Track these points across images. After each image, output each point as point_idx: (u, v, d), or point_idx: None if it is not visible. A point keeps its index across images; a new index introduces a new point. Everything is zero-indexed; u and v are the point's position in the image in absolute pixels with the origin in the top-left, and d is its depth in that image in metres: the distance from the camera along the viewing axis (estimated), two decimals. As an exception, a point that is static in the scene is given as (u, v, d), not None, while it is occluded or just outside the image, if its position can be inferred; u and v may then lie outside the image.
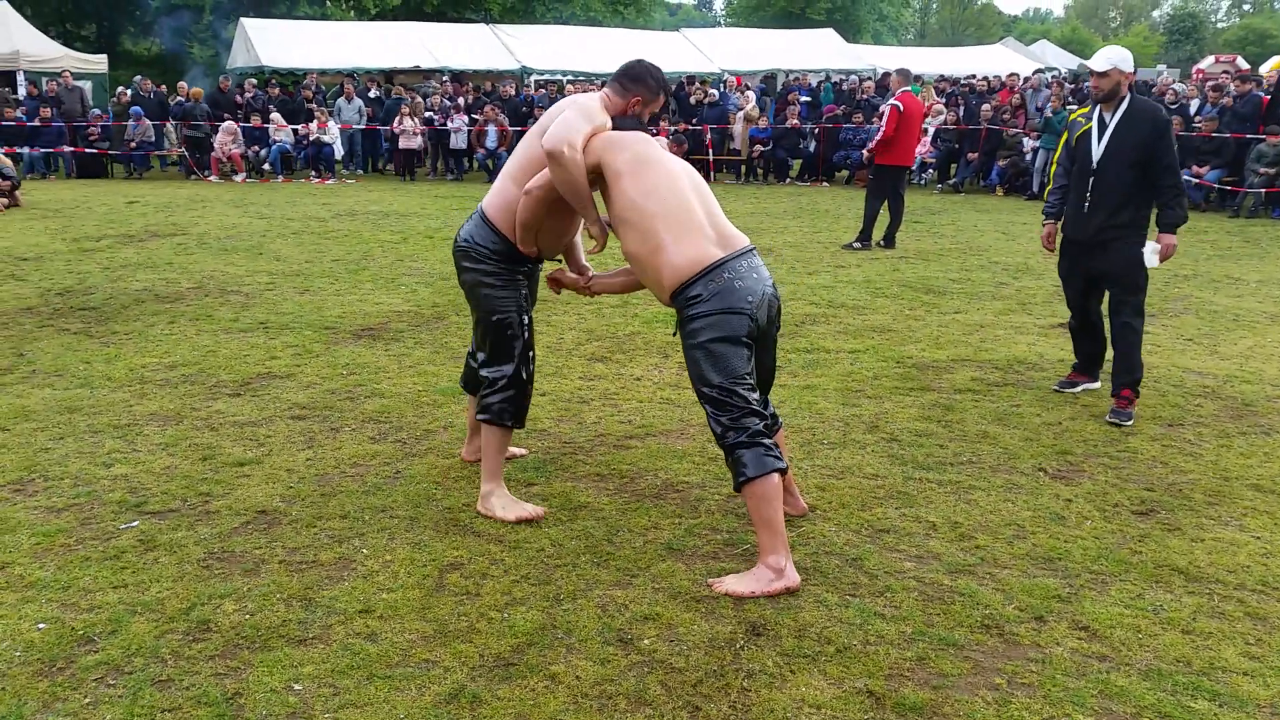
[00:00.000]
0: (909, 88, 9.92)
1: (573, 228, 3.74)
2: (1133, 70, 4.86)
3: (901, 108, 9.61)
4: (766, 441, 3.17)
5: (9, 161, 12.67)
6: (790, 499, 3.65)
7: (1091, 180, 4.87)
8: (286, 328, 6.35)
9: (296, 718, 2.49)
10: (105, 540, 3.41)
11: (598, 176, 3.37)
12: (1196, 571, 3.30)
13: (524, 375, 3.67)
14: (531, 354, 3.72)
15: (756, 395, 3.23)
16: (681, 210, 3.24)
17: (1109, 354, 5.14)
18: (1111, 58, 4.83)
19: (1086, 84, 11.72)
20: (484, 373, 3.67)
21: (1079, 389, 5.20)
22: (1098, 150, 4.84)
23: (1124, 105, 4.81)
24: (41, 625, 2.88)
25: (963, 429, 4.64)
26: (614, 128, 3.46)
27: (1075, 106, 12.48)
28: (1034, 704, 2.58)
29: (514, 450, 4.21)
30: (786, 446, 3.73)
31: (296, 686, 2.61)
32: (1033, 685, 2.66)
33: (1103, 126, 4.86)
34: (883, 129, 9.66)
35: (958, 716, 2.53)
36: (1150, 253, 4.77)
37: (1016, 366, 5.68)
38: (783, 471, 3.18)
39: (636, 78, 3.56)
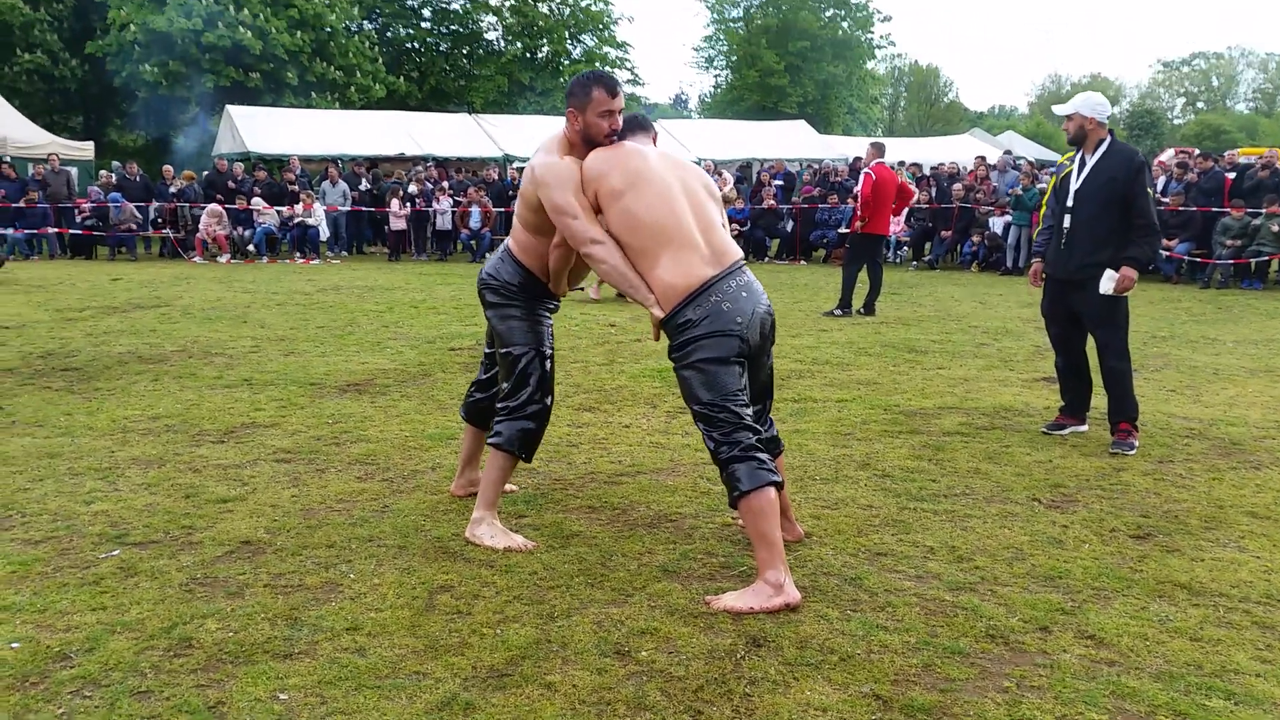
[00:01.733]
0: (882, 159, 10.14)
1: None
2: (1100, 115, 4.97)
3: (875, 176, 9.82)
4: (760, 455, 3.14)
5: None
6: (787, 524, 3.61)
7: (1068, 218, 4.97)
8: (271, 384, 6.29)
9: (283, 725, 2.39)
10: (84, 568, 3.31)
11: (597, 208, 3.32)
12: (1199, 586, 3.26)
13: (544, 407, 3.63)
14: (551, 389, 3.68)
15: (750, 411, 3.21)
16: (675, 227, 3.22)
17: (1095, 397, 5.18)
18: (1075, 102, 4.99)
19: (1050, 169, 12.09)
20: (503, 402, 3.63)
21: (1067, 431, 5.21)
22: (1074, 189, 4.95)
23: (1103, 147, 4.94)
24: (15, 645, 2.77)
25: (954, 466, 4.62)
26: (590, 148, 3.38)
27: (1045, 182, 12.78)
28: (1045, 704, 2.51)
29: (506, 486, 4.14)
30: (784, 476, 3.68)
31: (282, 695, 2.51)
32: (1042, 688, 2.60)
33: (1082, 167, 4.98)
34: (859, 193, 9.84)
35: (968, 717, 2.45)
36: (1107, 279, 4.84)
37: (1003, 413, 5.69)
38: (778, 485, 3.14)
39: (567, 93, 3.44)
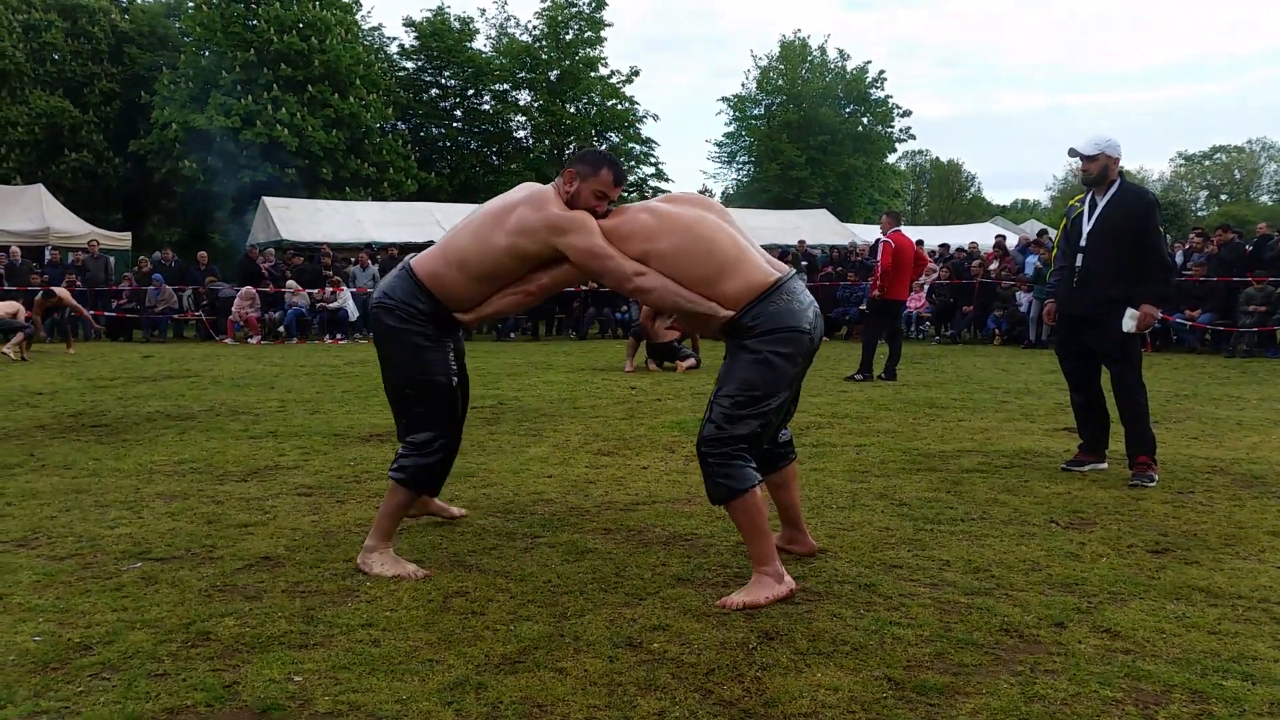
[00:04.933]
0: (899, 228, 10.29)
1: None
2: (1119, 156, 5.07)
3: (894, 244, 9.96)
4: (750, 455, 3.17)
5: (21, 309, 13.00)
6: (800, 537, 3.62)
7: (1080, 257, 5.04)
8: (295, 435, 6.38)
9: (295, 700, 2.41)
10: (106, 578, 3.36)
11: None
12: (1218, 590, 3.22)
13: (453, 439, 3.49)
14: (461, 420, 3.55)
15: (769, 416, 3.20)
16: (728, 245, 3.23)
17: (1116, 441, 5.17)
18: (1098, 142, 5.06)
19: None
20: (412, 437, 3.44)
21: (1086, 468, 5.18)
22: (1086, 229, 5.03)
23: (1114, 188, 5.03)
24: (37, 638, 2.82)
25: (972, 496, 4.60)
26: None
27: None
28: (1059, 684, 2.49)
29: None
30: (798, 501, 3.67)
31: (296, 678, 2.54)
32: (1056, 671, 2.57)
33: (1093, 208, 5.07)
34: (879, 262, 9.97)
35: (980, 695, 2.44)
36: (1128, 317, 4.88)
37: (1023, 455, 5.67)
38: (759, 484, 3.16)
39: (577, 157, 3.36)
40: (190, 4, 30.04)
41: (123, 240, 22.41)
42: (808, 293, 3.30)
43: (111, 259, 19.26)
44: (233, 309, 16.93)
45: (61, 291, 14.69)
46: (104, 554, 3.65)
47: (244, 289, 17.05)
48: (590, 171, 3.29)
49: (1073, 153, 5.09)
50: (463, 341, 3.76)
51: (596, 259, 3.23)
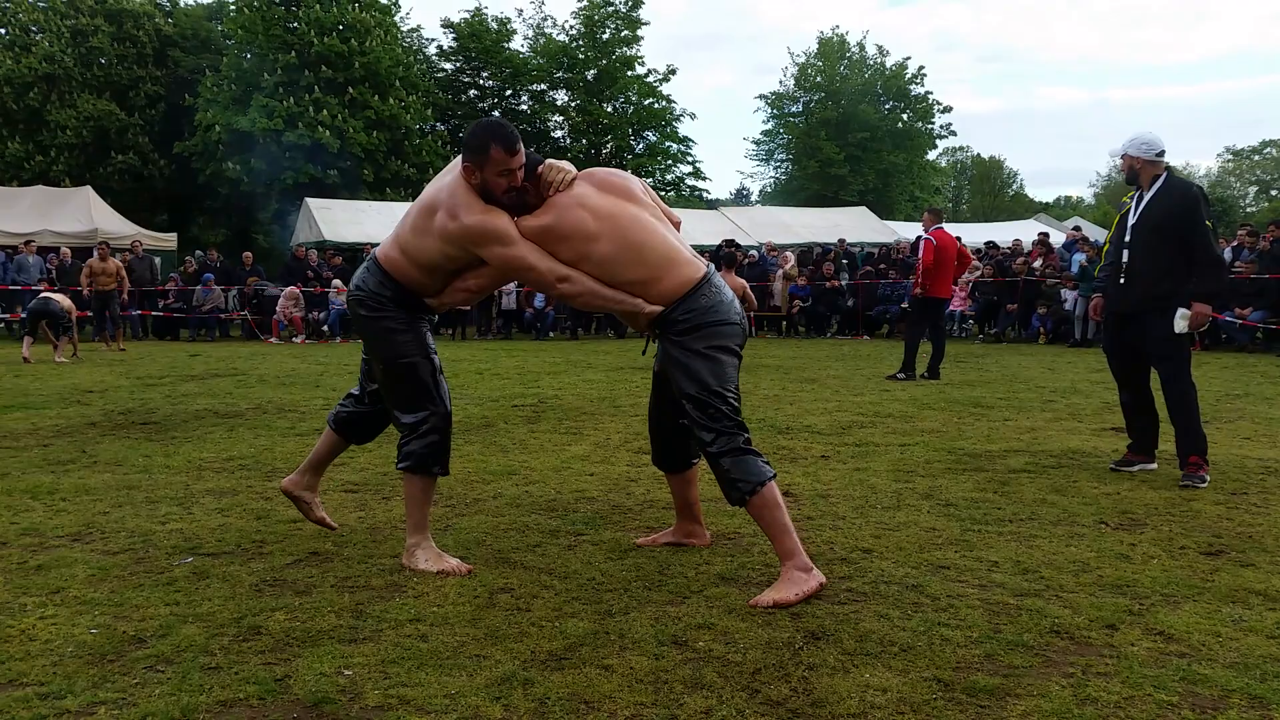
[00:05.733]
0: (941, 225, 10.19)
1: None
2: (1147, 152, 4.98)
3: (936, 241, 9.86)
4: (756, 450, 3.21)
5: (68, 302, 13.08)
6: (698, 529, 3.75)
7: (1126, 253, 4.97)
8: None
9: (346, 694, 2.43)
10: (159, 573, 3.42)
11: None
12: (1276, 594, 3.16)
13: (444, 413, 3.47)
14: (446, 394, 3.51)
15: (740, 407, 3.27)
16: (659, 245, 3.26)
17: (1165, 441, 5.09)
18: (1125, 143, 5.04)
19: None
20: (404, 420, 3.45)
21: (1135, 468, 5.11)
22: (1130, 224, 4.96)
23: (1158, 183, 4.96)
24: (93, 630, 2.87)
25: (1019, 496, 4.55)
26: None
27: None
28: (1112, 686, 2.45)
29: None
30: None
31: (347, 671, 2.56)
32: (1109, 674, 2.54)
33: (1139, 203, 5.00)
34: (921, 260, 9.88)
35: (1031, 697, 2.41)
36: (1180, 317, 4.80)
37: (1071, 454, 5.60)
38: (773, 477, 3.20)
39: (463, 144, 3.22)
40: (232, 7, 30.48)
41: (168, 241, 22.79)
42: (728, 288, 3.37)
43: (157, 259, 19.59)
44: (277, 308, 17.14)
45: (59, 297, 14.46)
46: (156, 549, 3.71)
47: (288, 289, 17.26)
48: (481, 158, 3.16)
49: (1113, 154, 5.14)
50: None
51: (517, 270, 3.27)
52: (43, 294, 12.98)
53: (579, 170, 3.38)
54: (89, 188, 22.94)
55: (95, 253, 15.35)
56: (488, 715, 2.31)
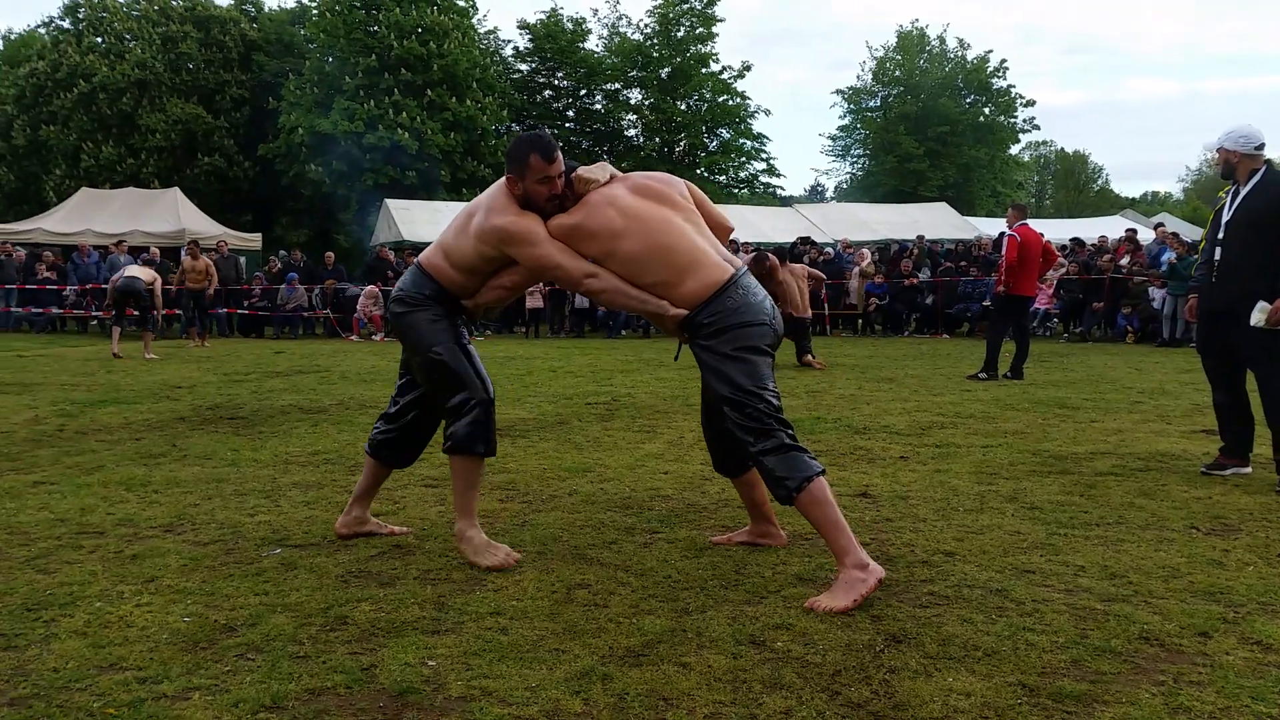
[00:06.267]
0: (1025, 221, 9.97)
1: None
2: (1244, 146, 4.82)
3: (1020, 238, 9.66)
4: (802, 446, 3.17)
5: (150, 274, 13.33)
6: (772, 530, 3.70)
7: (1220, 250, 4.81)
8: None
9: (430, 684, 2.48)
10: (248, 564, 3.52)
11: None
12: (1381, 604, 3.03)
13: (485, 397, 3.50)
14: (486, 377, 3.56)
15: (780, 405, 3.23)
16: (686, 249, 3.26)
17: (1262, 444, 4.91)
18: (1221, 136, 4.88)
19: None
20: (447, 404, 3.51)
21: (1228, 472, 4.94)
22: (1225, 219, 4.81)
23: (1256, 177, 4.79)
24: (186, 619, 2.96)
25: (1107, 500, 4.44)
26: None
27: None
28: (1206, 696, 2.38)
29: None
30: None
31: (430, 662, 2.61)
32: (1202, 683, 2.46)
33: (1235, 198, 4.84)
34: (1004, 257, 9.69)
35: (1120, 704, 2.35)
36: (1258, 310, 4.63)
37: (1160, 457, 5.44)
38: (822, 472, 3.16)
39: (506, 156, 3.38)
40: (314, 11, 31.19)
41: (253, 241, 23.42)
42: (760, 288, 3.34)
43: (242, 259, 20.14)
44: (357, 307, 17.50)
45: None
46: (245, 540, 3.82)
47: (368, 288, 17.61)
48: (521, 167, 3.31)
49: (1208, 147, 4.99)
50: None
51: (545, 270, 3.39)
52: (127, 273, 13.10)
53: (636, 172, 3.47)
54: (177, 189, 23.73)
55: (185, 251, 15.84)
56: (568, 709, 2.33)
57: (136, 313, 12.99)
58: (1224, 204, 4.94)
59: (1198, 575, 3.32)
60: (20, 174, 30.71)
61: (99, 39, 31.60)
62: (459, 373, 3.49)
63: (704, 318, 3.23)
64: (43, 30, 35.05)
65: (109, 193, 24.06)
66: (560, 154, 3.35)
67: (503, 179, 3.45)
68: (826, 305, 17.37)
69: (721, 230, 3.51)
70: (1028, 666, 2.56)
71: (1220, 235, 4.83)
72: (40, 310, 18.76)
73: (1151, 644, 2.72)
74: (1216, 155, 4.93)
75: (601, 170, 3.42)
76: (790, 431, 3.19)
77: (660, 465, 5.30)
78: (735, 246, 17.61)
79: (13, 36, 40.57)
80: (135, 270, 13.18)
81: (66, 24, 32.86)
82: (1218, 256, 4.85)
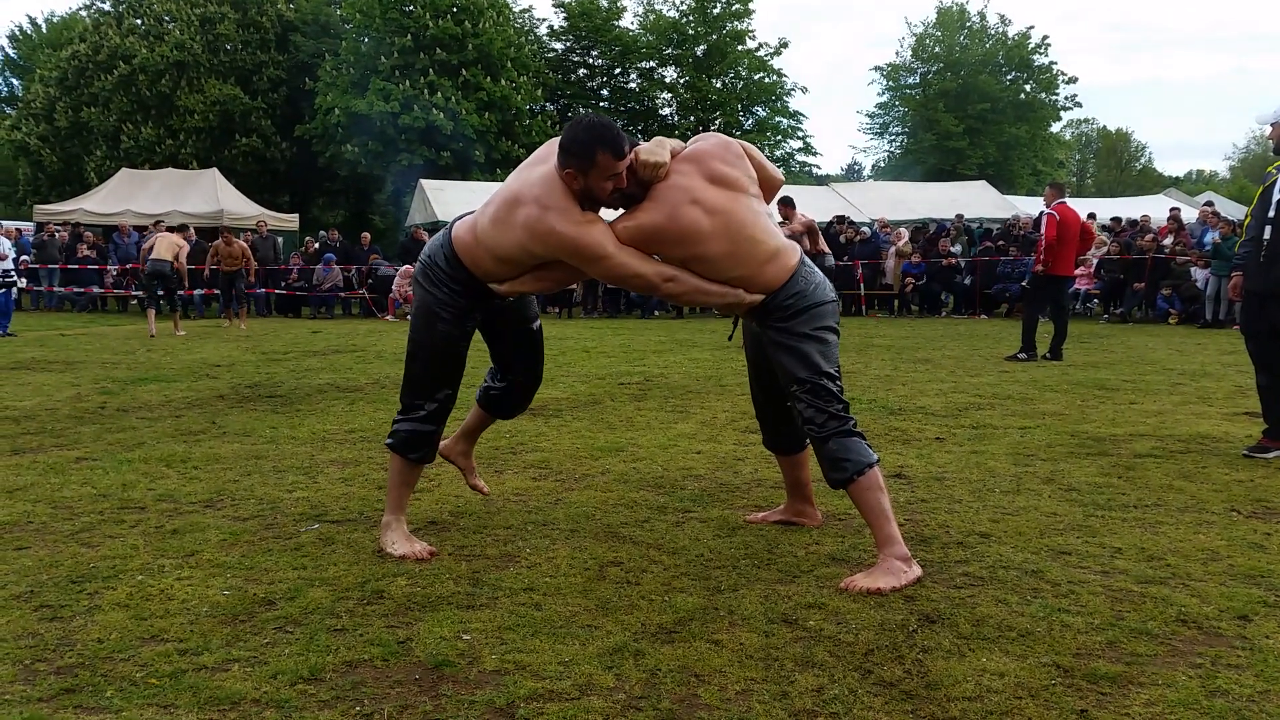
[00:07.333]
0: (1064, 199, 9.83)
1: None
2: None
3: (1059, 217, 9.52)
4: (861, 432, 3.17)
5: (185, 247, 13.64)
6: (809, 510, 3.72)
7: (1269, 229, 4.72)
8: (457, 407, 6.59)
9: (465, 658, 2.51)
10: (287, 539, 3.57)
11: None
12: None
13: (444, 410, 3.47)
14: (458, 380, 3.50)
15: (844, 388, 3.24)
16: (760, 241, 3.17)
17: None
18: (1275, 110, 4.78)
19: None
20: (403, 397, 3.50)
21: (1271, 455, 4.86)
22: (1276, 198, 4.70)
23: (1308, 154, 4.70)
24: (226, 592, 3.01)
25: (1145, 482, 4.38)
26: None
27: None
28: (1245, 679, 2.35)
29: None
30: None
31: (465, 636, 2.64)
32: (1241, 666, 2.43)
33: (1286, 177, 4.75)
34: (1044, 235, 9.56)
35: (1156, 686, 2.33)
36: None
37: (1200, 439, 5.36)
38: (877, 462, 3.17)
39: (562, 148, 3.01)
40: (350, -10, 31.25)
41: (290, 221, 23.62)
42: (818, 268, 3.36)
43: (280, 239, 20.33)
44: (393, 287, 17.62)
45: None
46: (283, 516, 3.88)
47: (403, 268, 17.70)
48: (587, 165, 2.97)
49: (1260, 121, 4.86)
50: (533, 307, 3.71)
51: (621, 280, 3.21)
52: (154, 255, 13.35)
53: (695, 143, 3.26)
54: (215, 170, 23.94)
55: (220, 238, 16.02)
56: (601, 684, 2.35)
57: (163, 293, 13.35)
58: (1274, 181, 4.83)
59: (1237, 558, 3.28)
60: (63, 155, 31.08)
61: (138, 20, 31.89)
62: (430, 377, 3.44)
63: (782, 300, 3.18)
64: (84, 13, 35.40)
65: (149, 173, 24.34)
66: (628, 145, 3.01)
67: (548, 158, 3.12)
68: (863, 285, 17.24)
69: (774, 187, 3.38)
70: (1062, 648, 2.55)
71: (1272, 214, 4.73)
72: (81, 290, 19.07)
73: (1189, 626, 2.69)
74: (1270, 130, 4.83)
75: (662, 148, 3.11)
76: (855, 418, 3.18)
77: (693, 445, 5.30)
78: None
79: (55, 19, 41.09)
80: (162, 247, 13.43)
81: (107, 6, 33.18)
82: (1267, 235, 4.75)
